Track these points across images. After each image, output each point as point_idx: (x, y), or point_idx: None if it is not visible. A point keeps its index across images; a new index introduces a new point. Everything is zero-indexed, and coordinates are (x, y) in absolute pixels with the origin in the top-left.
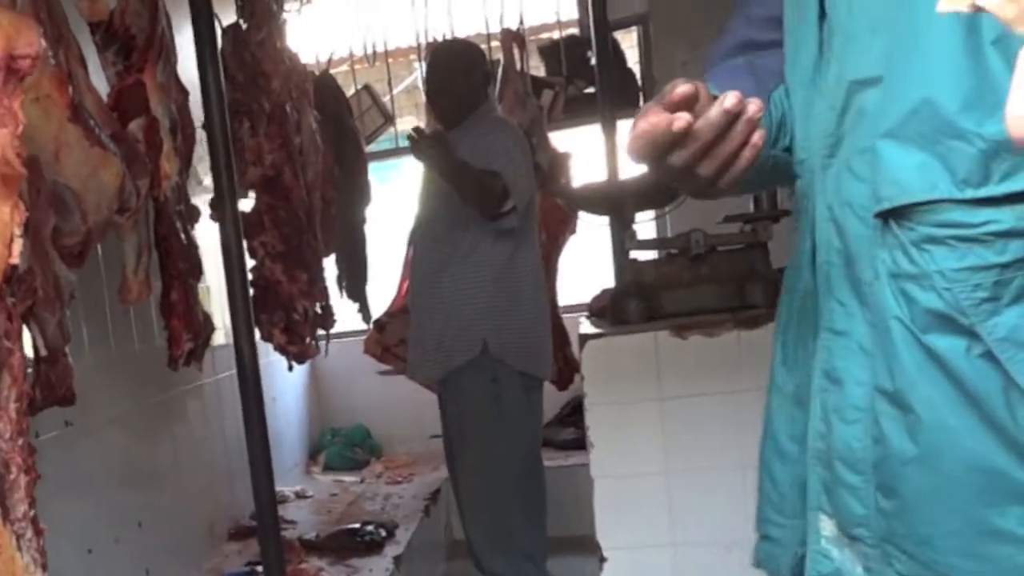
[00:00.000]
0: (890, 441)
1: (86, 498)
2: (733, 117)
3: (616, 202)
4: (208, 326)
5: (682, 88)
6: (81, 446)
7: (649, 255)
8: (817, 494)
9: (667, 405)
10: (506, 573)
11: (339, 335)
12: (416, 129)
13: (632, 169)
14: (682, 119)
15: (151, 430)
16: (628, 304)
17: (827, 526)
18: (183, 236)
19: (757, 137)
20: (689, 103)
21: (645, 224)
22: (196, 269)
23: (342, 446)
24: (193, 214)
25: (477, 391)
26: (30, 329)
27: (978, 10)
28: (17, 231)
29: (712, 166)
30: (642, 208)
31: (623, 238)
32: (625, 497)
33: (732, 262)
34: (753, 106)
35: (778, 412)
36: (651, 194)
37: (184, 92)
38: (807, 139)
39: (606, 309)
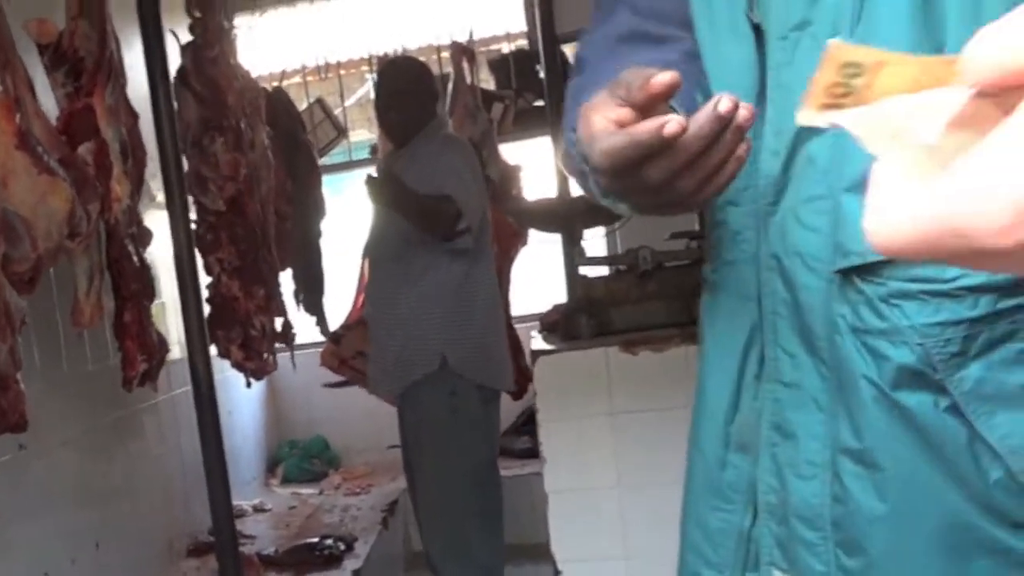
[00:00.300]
0: (855, 499)
1: (42, 520)
2: (725, 124)
3: (565, 219)
4: (162, 347)
5: (665, 77)
6: (35, 469)
7: (599, 271)
8: (770, 548)
9: (618, 420)
10: None
11: (295, 347)
12: (368, 176)
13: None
14: (676, 123)
15: (106, 449)
16: (579, 320)
17: None
18: (135, 258)
19: (743, 149)
20: (668, 97)
21: (595, 240)
22: (149, 290)
23: (300, 458)
24: (145, 236)
25: (435, 404)
26: None
27: (836, 127)
28: None
29: (692, 181)
30: (591, 224)
31: (573, 254)
32: (579, 511)
33: (679, 278)
34: (745, 111)
35: (713, 458)
36: (600, 210)
37: (134, 115)
38: (753, 175)
39: (557, 324)
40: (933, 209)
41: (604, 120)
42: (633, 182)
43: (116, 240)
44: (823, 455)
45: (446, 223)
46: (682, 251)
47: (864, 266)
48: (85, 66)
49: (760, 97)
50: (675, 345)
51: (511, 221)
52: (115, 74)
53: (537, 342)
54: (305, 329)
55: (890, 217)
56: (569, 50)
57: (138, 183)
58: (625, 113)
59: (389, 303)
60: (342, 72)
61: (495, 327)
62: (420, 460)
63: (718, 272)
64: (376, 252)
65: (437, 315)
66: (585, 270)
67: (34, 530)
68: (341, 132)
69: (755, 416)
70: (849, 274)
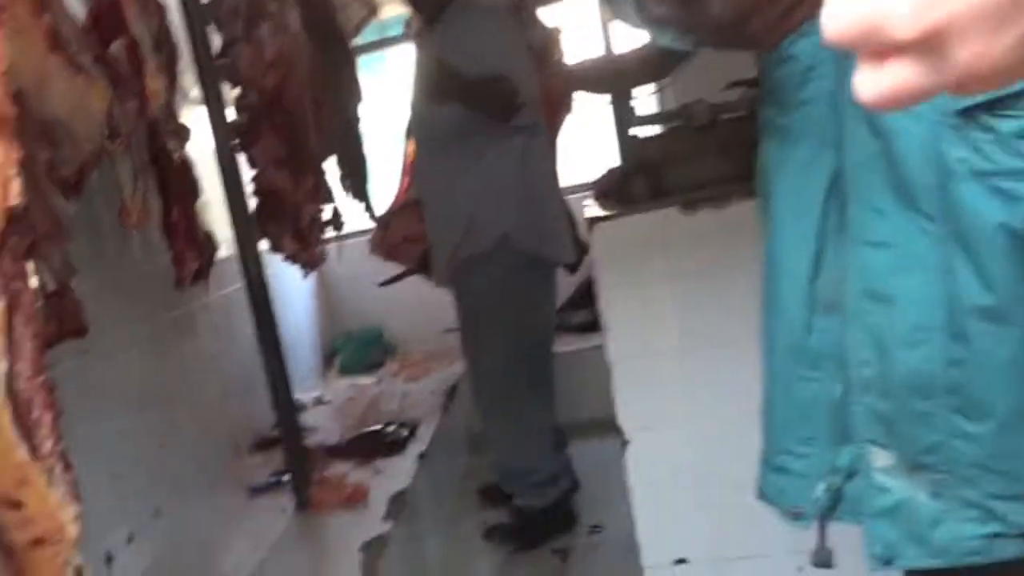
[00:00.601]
0: (982, 358)
1: (106, 424)
2: None
3: (614, 78)
4: (211, 244)
5: None
6: (99, 373)
7: (652, 131)
8: (867, 425)
9: (680, 283)
10: (524, 462)
11: (343, 237)
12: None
13: (628, 41)
14: None
15: (165, 350)
16: (634, 183)
17: (882, 457)
18: (177, 156)
19: None
20: None
21: (647, 98)
22: (194, 188)
23: (356, 348)
24: (183, 133)
25: (493, 281)
26: (36, 265)
27: None
28: (12, 171)
29: (769, 15)
30: (642, 82)
31: (623, 115)
32: (644, 378)
33: (738, 130)
34: None
35: (797, 321)
36: (650, 66)
37: (161, 8)
38: None
39: (612, 190)
40: (864, 5)
41: None
42: (697, 18)
43: (156, 138)
44: (935, 318)
45: (506, 105)
46: (739, 102)
47: (992, 102)
48: None
49: None
50: (736, 201)
51: (554, 89)
52: None
53: (592, 209)
54: (351, 217)
55: (837, 12)
56: None
57: (171, 78)
58: None
59: (446, 191)
60: None
61: (555, 199)
62: (479, 339)
63: (787, 116)
64: (425, 135)
65: (498, 192)
66: (637, 130)
67: (100, 434)
68: (371, 10)
69: (841, 271)
70: (973, 112)
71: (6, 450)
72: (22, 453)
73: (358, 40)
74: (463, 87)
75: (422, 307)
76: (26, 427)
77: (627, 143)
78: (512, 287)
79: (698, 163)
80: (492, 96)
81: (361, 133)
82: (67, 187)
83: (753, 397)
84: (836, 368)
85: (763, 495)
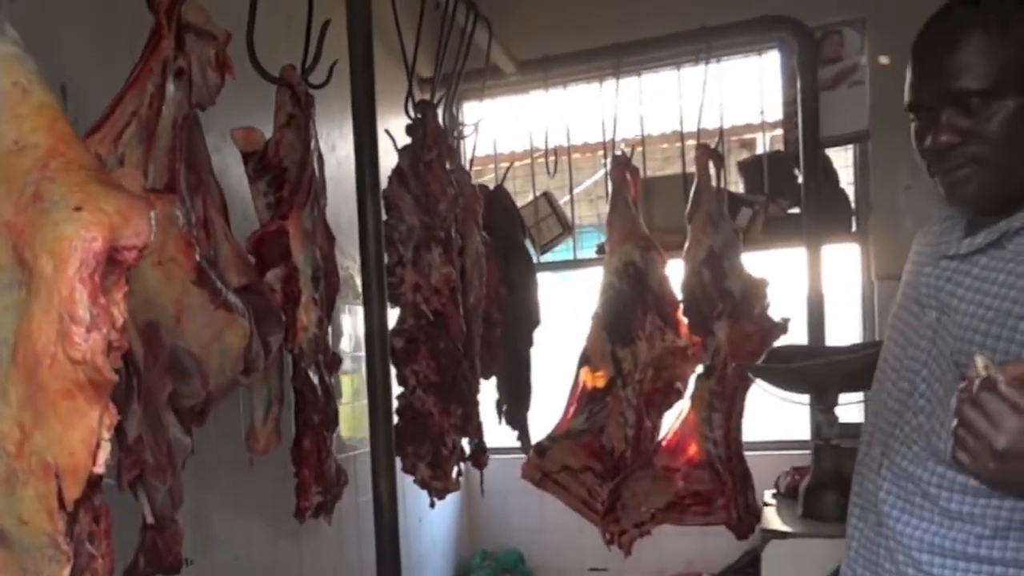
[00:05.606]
0: None
1: None
2: None
3: (818, 379)
4: (340, 479)
5: None
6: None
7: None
8: None
9: None
10: None
11: (496, 451)
12: None
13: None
14: None
15: (280, 559)
16: (824, 498)
17: None
18: (319, 388)
19: None
20: None
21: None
22: (331, 420)
23: (491, 570)
24: (333, 362)
25: None
26: (137, 497)
27: None
28: (106, 435)
29: None
30: (849, 389)
31: (822, 421)
32: None
33: None
34: None
35: None
36: (863, 375)
37: (331, 237)
38: None
39: (796, 492)
40: None
41: None
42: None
43: (299, 370)
44: None
45: None
46: None
47: None
48: (289, 176)
49: None
50: None
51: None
52: (315, 195)
53: (770, 515)
54: (506, 433)
55: None
56: (833, 154)
57: (328, 309)
58: None
59: None
60: (575, 156)
61: None
62: None
63: None
64: None
65: None
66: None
67: None
68: (567, 228)
69: None
70: None
71: None
72: None
73: (549, 256)
74: None
75: (569, 537)
76: None
77: (824, 451)
78: None
79: None
80: None
81: (531, 360)
82: (189, 418)
83: None
84: None
85: None
